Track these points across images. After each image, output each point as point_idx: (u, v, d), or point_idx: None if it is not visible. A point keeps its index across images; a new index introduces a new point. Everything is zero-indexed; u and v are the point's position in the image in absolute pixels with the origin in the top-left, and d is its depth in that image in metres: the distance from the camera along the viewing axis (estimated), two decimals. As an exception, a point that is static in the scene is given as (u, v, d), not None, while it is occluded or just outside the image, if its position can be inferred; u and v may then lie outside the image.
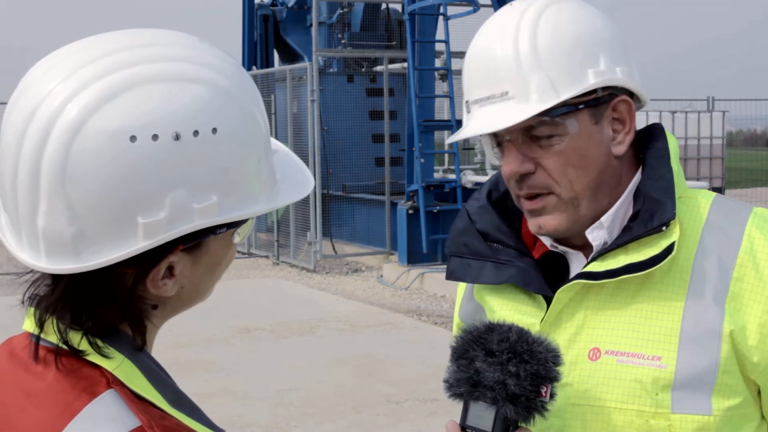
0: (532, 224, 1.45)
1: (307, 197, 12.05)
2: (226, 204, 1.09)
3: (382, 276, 11.84)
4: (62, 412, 1.06)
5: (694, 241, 1.41)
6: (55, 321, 1.10)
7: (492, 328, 1.30)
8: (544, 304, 1.46)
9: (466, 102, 1.46)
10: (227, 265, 1.20)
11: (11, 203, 1.07)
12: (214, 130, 1.07)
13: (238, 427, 5.90)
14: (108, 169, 1.02)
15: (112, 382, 1.07)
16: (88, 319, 1.09)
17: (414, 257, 11.64)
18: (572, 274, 1.49)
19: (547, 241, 1.51)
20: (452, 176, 13.73)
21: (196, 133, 1.05)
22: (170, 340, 7.43)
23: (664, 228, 1.38)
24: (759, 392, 1.41)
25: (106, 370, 1.08)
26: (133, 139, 1.02)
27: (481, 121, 1.42)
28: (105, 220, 1.04)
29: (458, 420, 1.32)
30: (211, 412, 1.18)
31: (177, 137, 1.04)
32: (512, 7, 1.44)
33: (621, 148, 1.44)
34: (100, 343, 1.09)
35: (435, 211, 11.77)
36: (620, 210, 1.45)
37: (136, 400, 1.07)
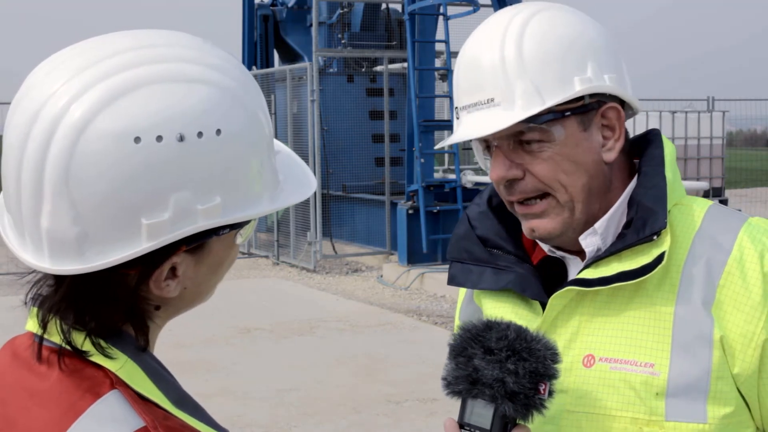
0: (526, 228, 1.46)
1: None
2: (229, 205, 1.09)
3: (382, 276, 11.84)
4: (66, 413, 1.06)
5: (685, 248, 1.41)
6: (58, 321, 1.10)
7: (490, 326, 1.31)
8: (541, 310, 1.46)
9: (456, 108, 1.46)
10: (230, 265, 1.20)
11: (15, 204, 1.07)
12: (218, 131, 1.07)
13: (238, 427, 5.90)
14: (112, 170, 1.02)
15: (116, 382, 1.07)
16: (92, 320, 1.09)
17: (414, 257, 11.64)
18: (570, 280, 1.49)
19: (545, 246, 1.52)
20: (452, 176, 13.73)
21: (200, 134, 1.05)
22: (170, 340, 7.42)
23: (655, 237, 1.38)
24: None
25: (109, 370, 1.08)
26: (137, 140, 1.02)
27: (468, 126, 1.42)
28: (109, 220, 1.04)
29: (456, 418, 1.32)
30: (211, 412, 1.18)
31: (181, 138, 1.04)
32: (501, 14, 1.44)
33: (611, 155, 1.44)
34: (103, 343, 1.09)
35: (435, 211, 11.77)
36: (615, 217, 1.45)
37: (139, 400, 1.07)
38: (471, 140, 1.46)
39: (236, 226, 1.14)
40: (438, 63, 13.64)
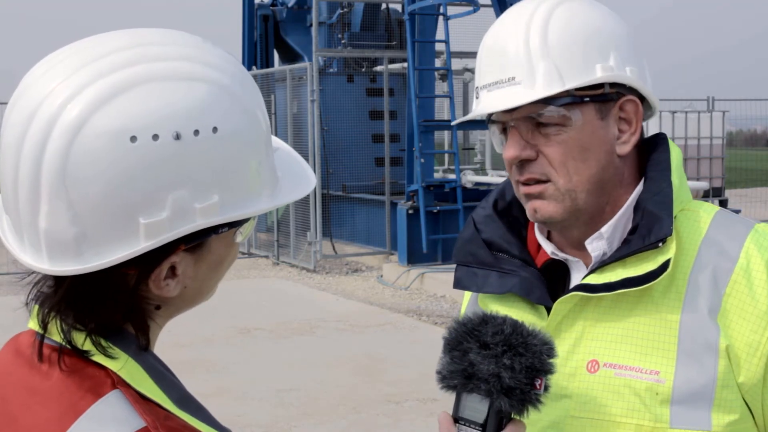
0: (529, 209, 1.46)
1: (307, 197, 12.06)
2: (227, 203, 1.09)
3: (382, 276, 11.84)
4: (67, 412, 1.06)
5: (692, 255, 1.40)
6: (58, 321, 1.09)
7: (486, 320, 1.30)
8: (546, 314, 1.46)
9: (477, 88, 1.47)
10: (230, 264, 1.20)
11: (12, 205, 1.07)
12: (215, 129, 1.06)
13: (238, 427, 5.89)
14: (109, 169, 1.02)
15: (117, 382, 1.07)
16: (92, 320, 1.09)
17: (414, 257, 11.63)
18: (572, 283, 1.48)
19: (548, 249, 1.51)
20: (452, 176, 13.73)
21: (196, 132, 1.05)
22: (170, 340, 7.41)
23: (660, 244, 1.37)
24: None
25: (111, 370, 1.08)
26: (133, 139, 1.02)
27: (487, 103, 1.43)
28: (107, 220, 1.03)
29: (451, 412, 1.32)
30: (211, 412, 1.18)
31: (177, 137, 1.04)
32: (526, 3, 1.46)
33: (625, 148, 1.44)
34: (104, 343, 1.09)
35: (435, 211, 11.76)
36: (620, 221, 1.45)
37: (141, 400, 1.07)
38: (488, 126, 1.46)
39: (235, 225, 1.14)
40: (438, 63, 13.64)
